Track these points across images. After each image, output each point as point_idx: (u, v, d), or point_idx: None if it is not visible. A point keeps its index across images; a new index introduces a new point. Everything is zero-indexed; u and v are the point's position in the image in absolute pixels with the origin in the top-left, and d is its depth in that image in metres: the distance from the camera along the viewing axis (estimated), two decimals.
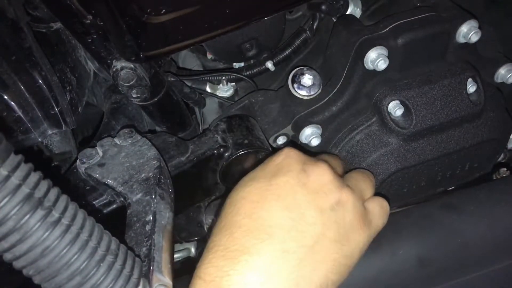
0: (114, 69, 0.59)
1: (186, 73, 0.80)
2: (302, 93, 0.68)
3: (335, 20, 0.72)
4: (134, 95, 0.63)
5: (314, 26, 0.75)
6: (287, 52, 0.76)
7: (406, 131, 0.64)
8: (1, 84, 0.59)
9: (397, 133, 0.64)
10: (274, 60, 0.76)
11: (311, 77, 0.68)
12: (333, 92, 0.68)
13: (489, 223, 0.61)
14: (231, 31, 0.56)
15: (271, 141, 0.71)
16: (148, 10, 0.48)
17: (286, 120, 0.71)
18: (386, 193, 0.69)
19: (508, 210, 0.62)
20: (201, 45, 0.75)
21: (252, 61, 0.78)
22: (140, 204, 0.52)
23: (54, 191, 0.38)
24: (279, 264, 0.43)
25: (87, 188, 0.59)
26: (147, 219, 0.50)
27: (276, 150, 0.56)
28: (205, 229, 0.79)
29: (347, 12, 0.72)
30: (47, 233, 0.36)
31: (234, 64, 0.80)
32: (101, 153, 0.58)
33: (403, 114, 0.64)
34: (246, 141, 0.67)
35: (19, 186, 0.35)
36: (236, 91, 0.81)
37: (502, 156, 0.80)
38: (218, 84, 0.79)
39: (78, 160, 0.58)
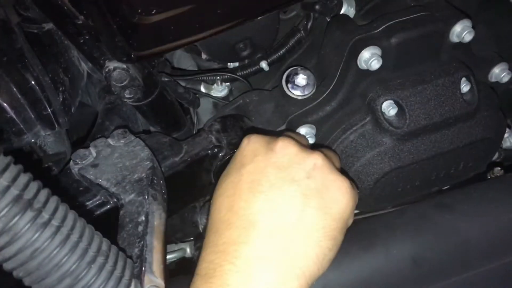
0: (106, 70, 0.59)
1: (180, 73, 0.80)
2: (296, 93, 0.68)
3: (329, 20, 0.72)
4: (127, 96, 0.62)
5: (308, 26, 0.75)
6: (281, 52, 0.76)
7: (400, 131, 0.64)
8: None
9: (391, 133, 0.64)
10: (269, 60, 0.76)
11: (305, 77, 0.68)
12: (327, 92, 0.68)
13: (483, 222, 0.61)
14: (224, 31, 0.56)
15: None
16: (139, 11, 0.48)
17: (280, 120, 0.71)
18: (380, 193, 0.69)
19: (502, 209, 0.62)
20: (195, 45, 0.75)
21: (246, 61, 0.78)
22: (133, 204, 0.52)
23: (44, 193, 0.38)
24: (268, 248, 0.44)
25: (81, 189, 0.59)
26: (139, 220, 0.50)
27: None
28: (200, 229, 0.79)
29: (341, 12, 0.72)
30: (36, 235, 0.36)
31: (228, 64, 0.80)
32: (94, 154, 0.58)
33: (396, 114, 0.64)
34: (240, 141, 0.66)
35: (8, 188, 0.35)
36: (230, 91, 0.81)
37: (496, 155, 0.80)
38: (213, 84, 0.79)
39: (71, 161, 0.58)
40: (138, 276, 0.44)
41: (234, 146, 0.66)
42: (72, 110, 0.69)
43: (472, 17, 0.65)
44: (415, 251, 0.58)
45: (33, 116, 0.62)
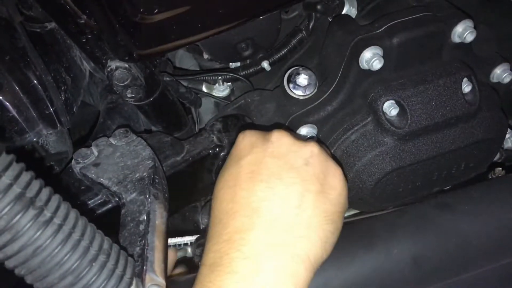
0: (108, 69, 0.59)
1: (182, 73, 0.80)
2: (298, 93, 0.68)
3: (330, 20, 0.72)
4: (129, 95, 0.63)
5: (310, 26, 0.75)
6: (283, 52, 0.76)
7: (401, 131, 0.64)
8: None
9: (392, 133, 0.64)
10: (270, 60, 0.76)
11: (306, 77, 0.68)
12: (329, 92, 0.68)
13: (484, 222, 0.61)
14: (225, 31, 0.56)
15: None
16: (141, 10, 0.48)
17: (282, 120, 0.71)
18: (381, 193, 0.69)
19: (503, 209, 0.62)
20: (197, 45, 0.75)
21: (248, 61, 0.78)
22: (134, 203, 0.53)
23: (46, 191, 0.38)
24: (272, 233, 0.45)
25: (82, 188, 0.59)
26: (141, 218, 0.50)
27: None
28: (201, 228, 0.79)
29: (343, 12, 0.72)
30: (38, 233, 0.36)
31: (230, 64, 0.80)
32: (96, 153, 0.59)
33: (398, 114, 0.64)
34: None
35: (10, 186, 0.35)
36: (232, 91, 0.81)
37: (497, 156, 0.80)
38: (214, 84, 0.80)
39: (73, 160, 0.58)
40: (140, 274, 0.44)
41: None
42: (74, 109, 0.69)
43: (473, 17, 0.65)
44: (415, 251, 0.58)
45: (35, 115, 0.62)
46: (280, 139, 0.51)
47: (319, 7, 0.71)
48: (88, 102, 0.83)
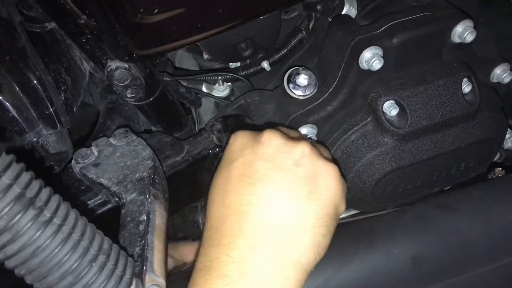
0: (108, 69, 0.59)
1: (182, 73, 0.80)
2: (298, 93, 0.68)
3: (330, 20, 0.72)
4: (129, 95, 0.63)
5: (310, 26, 0.75)
6: (283, 52, 0.76)
7: (401, 131, 0.64)
8: None
9: (392, 133, 0.64)
10: (270, 60, 0.76)
11: (306, 77, 0.68)
12: (329, 92, 0.68)
13: (484, 222, 0.61)
14: (225, 31, 0.56)
15: None
16: (141, 10, 0.48)
17: (281, 120, 0.71)
18: (381, 193, 0.69)
19: (503, 209, 0.62)
20: (197, 45, 0.75)
21: (248, 61, 0.78)
22: (134, 204, 0.53)
23: (46, 191, 0.38)
24: (261, 237, 0.44)
25: (82, 188, 0.59)
26: (140, 219, 0.50)
27: None
28: (201, 228, 0.79)
29: (343, 12, 0.72)
30: (38, 233, 0.36)
31: (230, 64, 0.80)
32: (96, 153, 0.59)
33: (398, 114, 0.64)
34: None
35: (10, 186, 0.35)
36: (232, 91, 0.81)
37: (497, 156, 0.80)
38: (214, 84, 0.80)
39: (73, 160, 0.58)
40: (139, 275, 0.44)
41: None
42: (74, 110, 0.69)
43: (473, 17, 0.65)
44: (415, 251, 0.58)
45: (35, 115, 0.62)
46: (269, 140, 0.50)
47: (319, 7, 0.71)
48: (88, 102, 0.83)
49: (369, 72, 0.64)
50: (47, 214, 0.37)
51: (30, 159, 0.65)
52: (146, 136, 0.63)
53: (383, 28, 0.64)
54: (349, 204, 0.74)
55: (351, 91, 0.67)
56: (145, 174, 0.56)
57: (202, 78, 0.78)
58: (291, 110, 0.69)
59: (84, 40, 0.56)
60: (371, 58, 0.62)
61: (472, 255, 0.59)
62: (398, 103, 0.64)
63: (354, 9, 0.73)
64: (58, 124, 0.64)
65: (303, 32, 0.76)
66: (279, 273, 0.43)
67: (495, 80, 0.73)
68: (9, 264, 0.37)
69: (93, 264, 0.39)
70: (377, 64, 0.62)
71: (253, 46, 0.73)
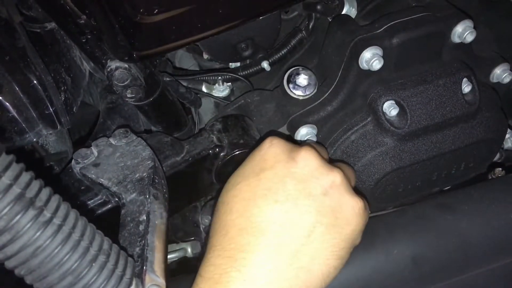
0: (108, 69, 0.59)
1: (182, 73, 0.80)
2: (298, 93, 0.69)
3: (330, 20, 0.72)
4: (128, 95, 0.63)
5: (310, 26, 0.75)
6: (282, 52, 0.76)
7: (401, 131, 0.64)
8: None
9: (392, 133, 0.64)
10: (270, 60, 0.76)
11: (306, 77, 0.68)
12: (328, 92, 0.68)
13: (484, 223, 0.61)
14: (225, 31, 0.56)
15: None
16: (141, 10, 0.48)
17: (281, 120, 0.71)
18: (381, 193, 0.69)
19: (503, 209, 0.62)
20: (196, 45, 0.75)
21: (248, 61, 0.78)
22: (134, 204, 0.52)
23: (46, 191, 0.38)
24: (275, 258, 0.44)
25: (82, 188, 0.59)
26: (140, 219, 0.50)
27: None
28: (201, 229, 0.79)
29: (343, 12, 0.72)
30: (38, 233, 0.36)
31: (230, 64, 0.80)
32: (96, 153, 0.59)
33: (398, 114, 0.64)
34: (241, 141, 0.67)
35: (10, 186, 0.35)
36: (232, 91, 0.81)
37: (497, 156, 0.80)
38: (214, 84, 0.80)
39: (73, 160, 0.58)
40: (139, 275, 0.44)
41: (235, 146, 0.66)
42: (74, 110, 0.69)
43: (473, 17, 0.65)
44: (415, 251, 0.58)
45: (35, 115, 0.62)
46: (305, 160, 0.48)
47: (319, 7, 0.71)
48: (88, 102, 0.83)
49: (369, 72, 0.64)
50: (47, 214, 0.37)
51: (30, 159, 0.65)
52: (146, 136, 0.63)
53: (383, 28, 0.64)
54: None
55: (351, 91, 0.67)
56: (145, 174, 0.55)
57: (202, 78, 0.78)
58: (291, 110, 0.69)
59: (84, 40, 0.56)
60: (371, 58, 0.62)
61: (472, 255, 0.59)
62: (398, 103, 0.64)
63: (354, 9, 0.73)
64: (58, 124, 0.64)
65: (303, 32, 0.76)
66: None
67: (495, 80, 0.73)
68: (9, 264, 0.37)
69: (93, 264, 0.39)
70: (377, 64, 0.62)
71: (253, 46, 0.73)
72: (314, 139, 0.68)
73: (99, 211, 0.60)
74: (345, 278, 0.55)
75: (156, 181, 0.55)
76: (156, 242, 0.48)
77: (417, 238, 0.59)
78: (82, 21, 0.52)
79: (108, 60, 0.59)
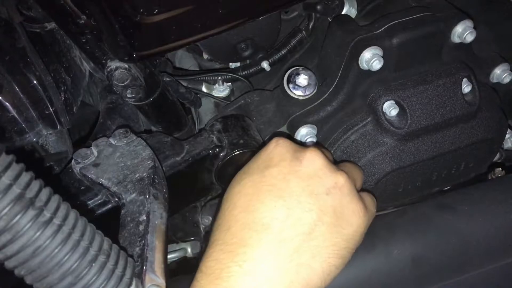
0: (108, 69, 0.59)
1: (182, 73, 0.80)
2: (298, 93, 0.69)
3: (330, 20, 0.72)
4: (128, 95, 0.63)
5: (310, 26, 0.75)
6: (282, 52, 0.76)
7: (401, 131, 0.64)
8: None
9: (392, 133, 0.64)
10: (270, 60, 0.76)
11: (306, 77, 0.68)
12: (328, 92, 0.68)
13: (484, 223, 0.61)
14: (225, 31, 0.56)
15: None
16: (141, 10, 0.48)
17: (281, 120, 0.71)
18: (381, 193, 0.69)
19: (503, 209, 0.62)
20: (196, 45, 0.75)
21: (248, 61, 0.78)
22: (134, 204, 0.52)
23: (46, 191, 0.38)
24: (276, 254, 0.44)
25: (82, 188, 0.59)
26: (140, 219, 0.50)
27: None
28: (201, 229, 0.79)
29: (343, 12, 0.72)
30: (38, 233, 0.36)
31: (230, 64, 0.80)
32: (96, 153, 0.59)
33: (398, 114, 0.64)
34: (241, 141, 0.67)
35: (10, 186, 0.35)
36: (232, 91, 0.81)
37: (497, 156, 0.80)
38: (214, 84, 0.80)
39: (73, 160, 0.58)
40: (139, 275, 0.44)
41: (235, 146, 0.66)
42: (74, 110, 0.69)
43: (473, 17, 0.65)
44: (415, 251, 0.58)
45: (35, 115, 0.62)
46: (311, 161, 0.49)
47: (319, 7, 0.71)
48: (88, 102, 0.83)
49: (369, 72, 0.64)
50: (47, 214, 0.37)
51: (30, 159, 0.65)
52: (146, 136, 0.63)
53: (383, 28, 0.64)
54: None
55: (351, 91, 0.67)
56: (145, 174, 0.55)
57: (202, 78, 0.78)
58: (291, 110, 0.69)
59: (84, 40, 0.56)
60: (371, 58, 0.62)
61: (472, 255, 0.59)
62: (398, 103, 0.64)
63: (354, 9, 0.73)
64: (58, 124, 0.64)
65: (303, 32, 0.76)
66: None
67: (495, 80, 0.73)
68: (9, 264, 0.37)
69: (93, 264, 0.39)
70: (377, 64, 0.62)
71: (253, 46, 0.73)
72: (314, 139, 0.68)
73: (99, 211, 0.60)
74: (345, 278, 0.55)
75: (156, 181, 0.55)
76: (156, 242, 0.48)
77: (417, 238, 0.59)
78: (82, 21, 0.52)
79: (108, 60, 0.59)
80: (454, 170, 0.72)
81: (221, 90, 0.80)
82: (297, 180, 0.47)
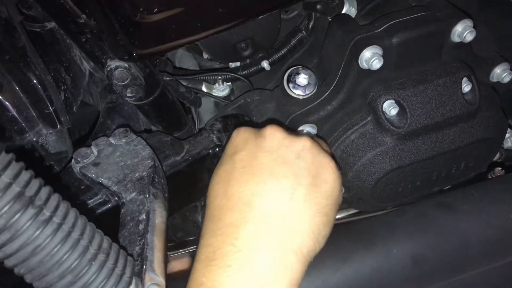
0: (108, 69, 0.59)
1: (182, 72, 0.80)
2: (298, 93, 0.69)
3: (330, 20, 0.72)
4: (128, 95, 0.63)
5: (310, 26, 0.75)
6: (282, 52, 0.76)
7: (401, 131, 0.64)
8: None
9: (392, 133, 0.64)
10: (270, 60, 0.76)
11: (306, 76, 0.68)
12: (328, 91, 0.68)
13: (484, 222, 0.61)
14: (225, 30, 0.56)
15: None
16: (141, 9, 0.48)
17: (281, 120, 0.71)
18: (381, 193, 0.69)
19: (503, 209, 0.62)
20: (196, 45, 0.75)
21: (248, 61, 0.78)
22: (134, 203, 0.53)
23: (46, 190, 0.38)
24: (264, 226, 0.45)
25: (82, 187, 0.59)
26: (140, 218, 0.50)
27: None
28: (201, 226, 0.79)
29: (342, 12, 0.72)
30: (38, 232, 0.36)
31: (230, 63, 0.80)
32: (96, 153, 0.59)
33: (398, 114, 0.64)
34: None
35: (9, 185, 0.35)
36: (232, 90, 0.81)
37: (497, 155, 0.80)
38: (214, 84, 0.80)
39: (73, 160, 0.58)
40: (139, 274, 0.44)
41: None
42: (74, 109, 0.69)
43: (473, 17, 0.65)
44: (415, 251, 0.58)
45: (35, 115, 0.62)
46: (272, 134, 0.51)
47: (318, 6, 0.71)
48: (88, 102, 0.83)
49: (368, 72, 0.64)
50: (46, 213, 0.37)
51: (30, 159, 0.65)
52: (146, 136, 0.63)
53: (383, 27, 0.64)
54: (348, 204, 0.74)
55: (350, 90, 0.67)
56: (144, 173, 0.56)
57: (202, 77, 0.78)
58: (291, 110, 0.69)
59: (84, 40, 0.56)
60: (370, 58, 0.62)
61: (472, 254, 0.59)
62: (398, 102, 0.64)
63: (354, 8, 0.73)
64: (58, 124, 0.64)
65: (303, 31, 0.76)
66: (282, 261, 0.44)
67: (495, 80, 0.73)
68: (8, 263, 0.37)
69: (93, 263, 0.39)
70: (376, 64, 0.62)
71: (253, 45, 0.73)
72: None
73: (99, 210, 0.60)
74: (345, 278, 0.55)
75: (156, 180, 0.55)
76: (156, 241, 0.48)
77: (417, 237, 0.59)
78: (82, 21, 0.52)
79: (108, 60, 0.59)
80: (454, 169, 0.72)
81: (221, 90, 0.80)
82: (265, 154, 0.49)
